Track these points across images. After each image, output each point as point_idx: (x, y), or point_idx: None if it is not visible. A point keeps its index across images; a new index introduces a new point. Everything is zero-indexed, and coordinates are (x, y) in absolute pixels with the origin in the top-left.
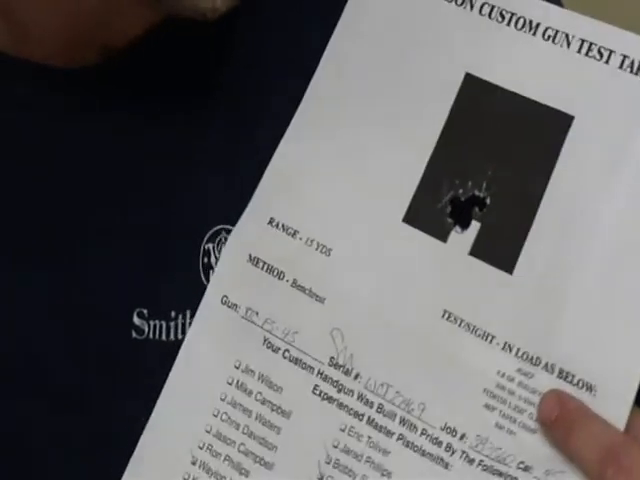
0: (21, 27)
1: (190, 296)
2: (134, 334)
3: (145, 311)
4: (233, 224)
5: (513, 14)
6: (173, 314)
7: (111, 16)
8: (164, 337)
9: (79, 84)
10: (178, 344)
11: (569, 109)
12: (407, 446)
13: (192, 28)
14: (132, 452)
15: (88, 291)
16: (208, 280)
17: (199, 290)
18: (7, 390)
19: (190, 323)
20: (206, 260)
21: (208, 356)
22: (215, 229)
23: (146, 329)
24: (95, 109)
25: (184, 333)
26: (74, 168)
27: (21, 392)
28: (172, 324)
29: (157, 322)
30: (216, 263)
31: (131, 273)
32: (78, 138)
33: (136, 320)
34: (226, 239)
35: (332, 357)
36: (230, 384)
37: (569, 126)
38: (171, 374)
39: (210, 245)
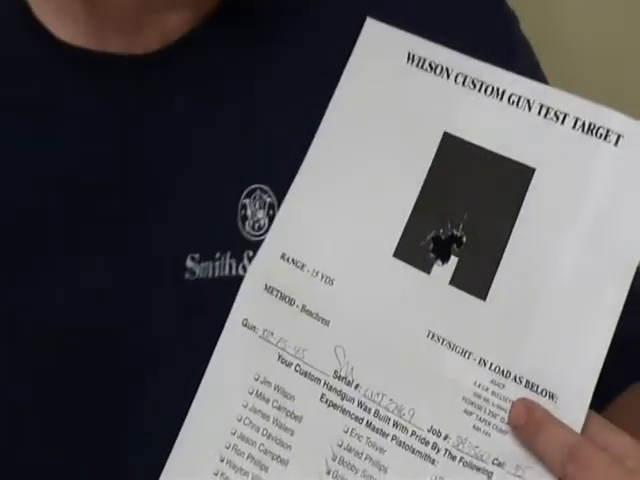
0: (95, 9)
1: (230, 240)
2: (187, 275)
3: (197, 255)
4: (265, 184)
5: (483, 82)
6: (217, 255)
7: (173, 4)
8: (210, 275)
9: (145, 69)
10: (221, 279)
11: (531, 162)
12: (400, 445)
13: (238, 24)
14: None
15: (149, 244)
16: (244, 228)
17: (237, 235)
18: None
19: (229, 263)
20: (243, 212)
21: (232, 370)
22: (251, 187)
23: (197, 270)
24: (162, 91)
25: (225, 270)
26: (151, 141)
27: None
28: (217, 263)
29: (205, 263)
30: (251, 215)
31: (184, 227)
32: (153, 117)
33: (189, 263)
34: (260, 196)
35: (336, 370)
36: (251, 393)
37: (531, 177)
38: (201, 385)
39: (247, 200)
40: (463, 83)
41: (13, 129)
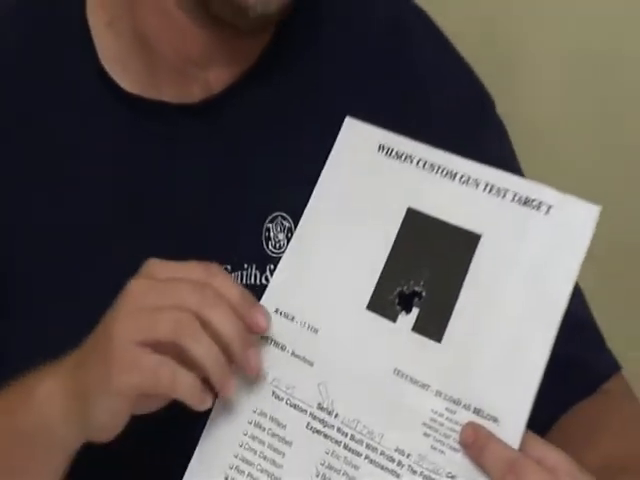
0: (154, 63)
1: (256, 256)
2: None
3: (229, 267)
4: (285, 211)
5: (439, 166)
6: (246, 266)
7: (215, 57)
8: (239, 281)
9: (191, 116)
10: (247, 286)
11: (478, 230)
12: (371, 463)
13: (268, 82)
14: None
15: (193, 257)
16: (267, 246)
17: (261, 252)
18: None
19: (255, 273)
20: (267, 234)
21: (235, 404)
22: (274, 214)
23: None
24: (203, 134)
25: (251, 279)
26: (194, 175)
27: None
28: (245, 273)
29: (236, 272)
30: (273, 237)
31: (221, 244)
32: (196, 155)
33: (231, 273)
34: (281, 222)
35: (319, 403)
36: (250, 423)
37: (478, 241)
38: (210, 417)
39: (270, 225)
40: (423, 167)
41: (80, 161)
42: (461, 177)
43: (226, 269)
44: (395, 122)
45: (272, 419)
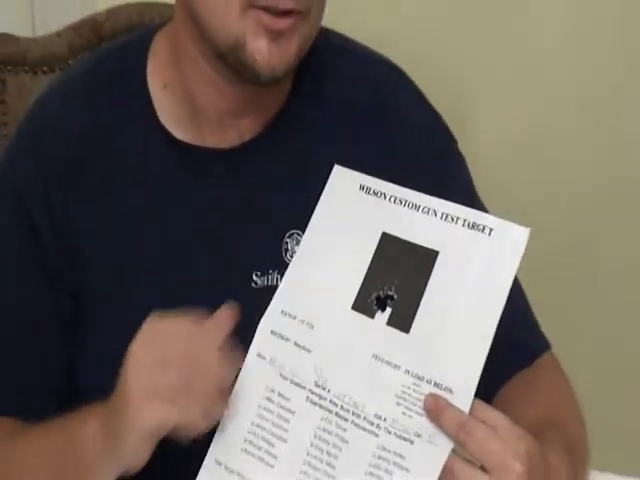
0: (199, 118)
1: (277, 263)
2: (252, 285)
3: (259, 272)
4: (299, 229)
5: (406, 201)
6: (270, 271)
7: (246, 109)
8: (265, 284)
9: (230, 162)
10: (270, 287)
11: (436, 247)
12: (356, 426)
13: (289, 130)
14: None
15: (234, 266)
16: (286, 256)
17: (282, 261)
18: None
19: (276, 277)
20: (286, 247)
21: (251, 385)
22: (291, 232)
23: (258, 281)
24: (237, 173)
25: (274, 282)
26: (229, 203)
27: None
28: (269, 276)
29: (263, 277)
30: (291, 249)
31: (251, 254)
32: (231, 188)
33: (254, 277)
34: (297, 237)
35: (315, 381)
36: (263, 398)
37: (437, 256)
38: (233, 392)
39: (288, 240)
40: (394, 202)
41: (143, 197)
42: (423, 208)
43: (256, 274)
44: (379, 163)
45: (279, 394)
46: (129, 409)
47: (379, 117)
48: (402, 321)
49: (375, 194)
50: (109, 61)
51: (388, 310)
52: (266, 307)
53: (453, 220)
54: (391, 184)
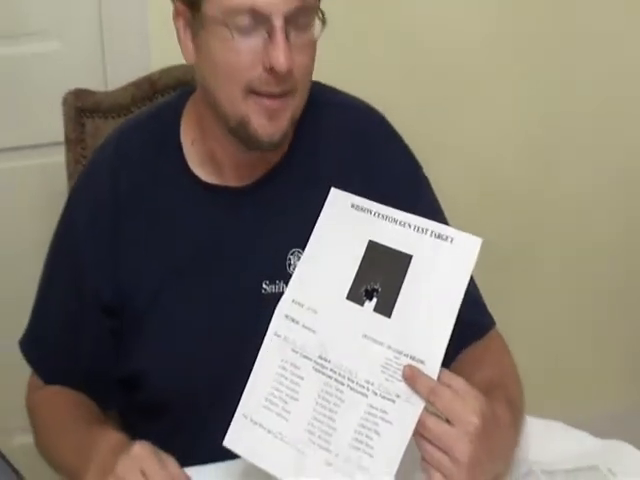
0: (219, 166)
1: (283, 275)
2: (262, 291)
3: (267, 281)
4: (300, 248)
5: (387, 215)
6: (277, 282)
7: (254, 162)
8: (273, 291)
9: (245, 197)
10: (277, 294)
11: (410, 252)
12: (351, 389)
13: (291, 171)
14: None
15: (246, 278)
16: (289, 269)
17: (286, 273)
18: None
19: (282, 285)
20: (289, 262)
21: (270, 356)
22: (293, 250)
23: (267, 289)
24: (251, 204)
25: (280, 289)
26: (242, 226)
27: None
28: (276, 286)
29: (271, 286)
30: (293, 264)
31: (261, 268)
32: (245, 215)
33: (264, 285)
34: (298, 254)
35: (319, 355)
36: (279, 367)
37: (410, 259)
38: (256, 361)
39: (291, 256)
40: (378, 216)
41: (175, 225)
42: (400, 222)
43: (265, 283)
44: (365, 193)
45: (292, 364)
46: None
47: (363, 157)
48: (385, 308)
49: (363, 211)
50: (153, 120)
51: (374, 300)
52: (274, 309)
53: (423, 231)
54: (376, 203)
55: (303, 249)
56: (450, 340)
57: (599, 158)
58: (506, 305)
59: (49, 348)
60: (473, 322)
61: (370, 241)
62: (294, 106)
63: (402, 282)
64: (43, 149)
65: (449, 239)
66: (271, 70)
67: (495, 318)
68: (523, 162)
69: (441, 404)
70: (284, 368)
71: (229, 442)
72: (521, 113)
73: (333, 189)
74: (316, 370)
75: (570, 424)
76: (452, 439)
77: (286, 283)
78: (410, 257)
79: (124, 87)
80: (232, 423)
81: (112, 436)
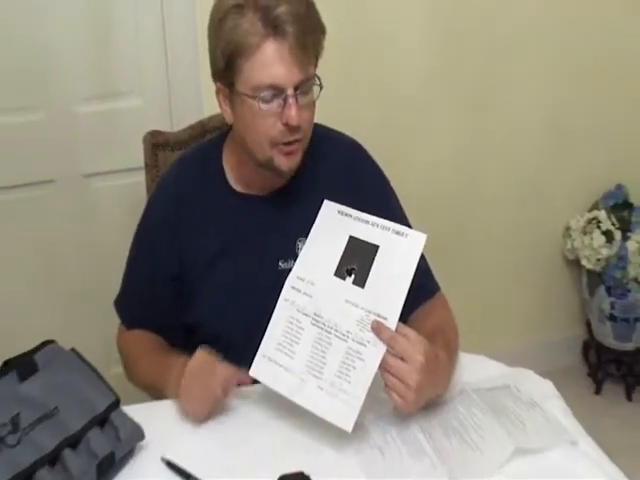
0: (249, 183)
1: (292, 255)
2: (278, 267)
3: (282, 260)
4: (304, 236)
5: (362, 218)
6: (288, 260)
7: (274, 180)
8: (286, 267)
9: (267, 201)
10: (288, 268)
11: (377, 243)
12: (336, 337)
13: (300, 186)
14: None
15: (268, 257)
16: (298, 251)
17: (294, 254)
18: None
19: (291, 264)
20: (298, 246)
21: (281, 315)
22: (300, 238)
23: (282, 265)
24: (270, 205)
25: (290, 266)
26: (265, 222)
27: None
28: (289, 263)
29: (285, 263)
30: (300, 247)
31: (278, 252)
32: (264, 214)
33: (279, 263)
34: (302, 242)
35: (315, 312)
36: (287, 321)
37: (378, 248)
38: (274, 314)
39: (298, 243)
40: (356, 219)
41: (215, 223)
42: (371, 223)
43: (281, 261)
44: (352, 201)
45: (296, 320)
46: (178, 396)
47: (349, 178)
48: (360, 282)
49: (346, 215)
50: (203, 152)
51: (352, 276)
52: (285, 279)
53: (387, 229)
54: (355, 210)
55: (306, 238)
56: (406, 301)
57: (511, 167)
58: (448, 275)
59: (133, 304)
60: (424, 286)
61: (350, 236)
62: (303, 146)
63: (372, 264)
64: (129, 172)
65: (404, 234)
66: (286, 124)
67: (440, 284)
68: (457, 171)
69: (398, 347)
70: (290, 322)
71: (253, 373)
72: (455, 136)
73: (325, 200)
74: (312, 324)
75: (490, 357)
76: (405, 371)
77: (295, 261)
78: (377, 247)
79: (184, 129)
80: (254, 360)
81: (182, 359)
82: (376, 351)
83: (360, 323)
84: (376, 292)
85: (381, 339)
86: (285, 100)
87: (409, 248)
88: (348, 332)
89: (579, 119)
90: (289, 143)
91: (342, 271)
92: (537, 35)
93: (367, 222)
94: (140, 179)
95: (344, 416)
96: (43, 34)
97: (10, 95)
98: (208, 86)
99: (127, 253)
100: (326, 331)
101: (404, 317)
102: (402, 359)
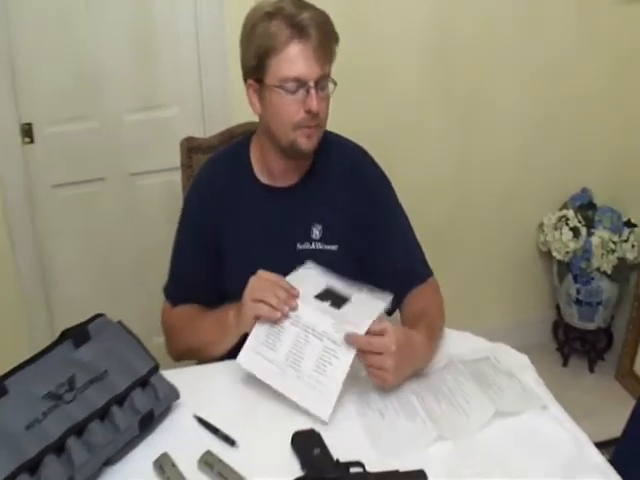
0: (273, 174)
1: (308, 238)
2: (296, 248)
3: (299, 242)
4: (318, 222)
5: (337, 292)
6: (304, 242)
7: (295, 168)
8: (303, 248)
9: (287, 192)
10: (305, 250)
11: (348, 296)
12: (314, 337)
13: (315, 177)
14: None
15: (288, 240)
16: (312, 236)
17: (310, 238)
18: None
19: (306, 246)
20: (312, 230)
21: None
22: (314, 223)
23: (299, 246)
24: (293, 196)
25: (306, 246)
26: (288, 210)
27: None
28: (304, 245)
29: (302, 245)
30: (313, 232)
31: (296, 235)
32: (287, 202)
33: (297, 245)
34: (317, 227)
35: (296, 314)
36: (272, 323)
37: (350, 298)
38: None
39: (313, 228)
40: (330, 276)
41: (243, 209)
42: (344, 281)
43: (298, 243)
44: (356, 196)
45: (280, 322)
46: (244, 306)
47: (355, 177)
48: (336, 306)
49: (323, 272)
50: (233, 150)
51: (329, 301)
52: (303, 257)
53: (359, 289)
54: (330, 272)
55: (320, 223)
56: (400, 285)
57: (494, 170)
58: (439, 261)
59: (180, 282)
60: (417, 272)
61: (326, 286)
62: (319, 132)
63: (345, 304)
64: (168, 171)
65: (367, 290)
66: (308, 112)
67: (434, 268)
68: (449, 169)
69: (375, 347)
70: (273, 324)
71: (241, 363)
72: (450, 143)
73: (308, 261)
74: (292, 324)
75: (474, 333)
76: (382, 361)
77: (310, 243)
78: (349, 298)
79: (214, 135)
80: (242, 352)
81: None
82: (348, 352)
83: (334, 327)
84: (349, 314)
85: (359, 347)
86: (307, 91)
87: (374, 299)
88: (325, 332)
89: (552, 133)
90: (310, 127)
91: (321, 300)
92: (521, 55)
93: (340, 279)
94: (177, 178)
95: (321, 406)
96: (97, 56)
97: (70, 107)
98: (236, 99)
99: (164, 239)
100: (305, 331)
101: (400, 298)
102: (379, 353)
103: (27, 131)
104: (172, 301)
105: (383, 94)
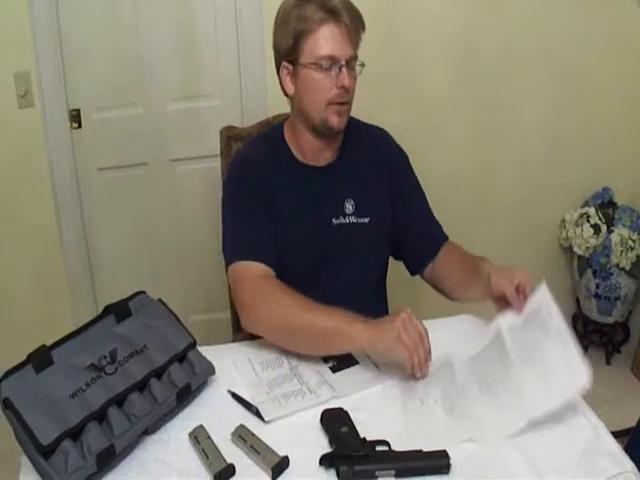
0: (305, 153)
1: (342, 213)
2: (332, 223)
3: (334, 217)
4: (351, 197)
5: None
6: (339, 217)
7: (327, 148)
8: (337, 222)
9: (322, 171)
10: (340, 224)
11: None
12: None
13: (346, 157)
14: None
15: (325, 217)
16: (345, 211)
17: (344, 213)
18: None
19: (340, 220)
20: (346, 205)
21: None
22: (347, 198)
23: (334, 221)
24: (326, 176)
25: (341, 220)
26: (323, 189)
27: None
28: (339, 220)
29: (336, 220)
30: (346, 207)
31: (331, 211)
32: (322, 182)
33: (333, 220)
34: (350, 201)
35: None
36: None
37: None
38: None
39: (346, 203)
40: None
41: (286, 186)
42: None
43: (334, 218)
44: (387, 176)
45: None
46: (391, 342)
47: (381, 154)
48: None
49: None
50: (269, 134)
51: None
52: (337, 232)
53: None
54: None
55: (352, 198)
56: (429, 245)
57: (518, 168)
58: (467, 230)
59: (246, 237)
60: (440, 235)
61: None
62: (349, 110)
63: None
64: (207, 158)
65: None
66: (341, 87)
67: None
68: (473, 168)
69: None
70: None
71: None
72: (474, 137)
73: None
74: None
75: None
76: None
77: (344, 217)
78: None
79: (252, 125)
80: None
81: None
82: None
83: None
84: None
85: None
86: (340, 69)
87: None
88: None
89: (575, 135)
90: (341, 104)
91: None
92: (544, 59)
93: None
94: (216, 164)
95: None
96: (144, 48)
97: (117, 95)
98: (272, 91)
99: (202, 222)
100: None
101: (423, 263)
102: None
103: (75, 117)
104: (241, 256)
105: (412, 96)
